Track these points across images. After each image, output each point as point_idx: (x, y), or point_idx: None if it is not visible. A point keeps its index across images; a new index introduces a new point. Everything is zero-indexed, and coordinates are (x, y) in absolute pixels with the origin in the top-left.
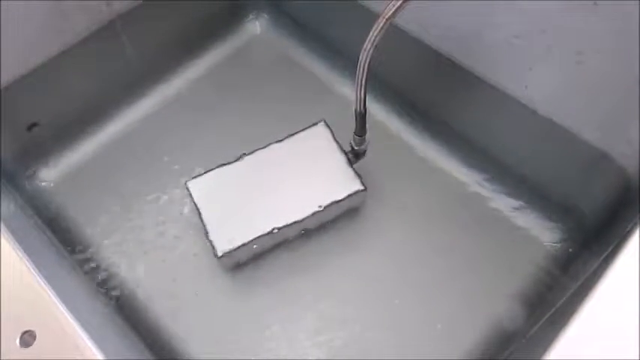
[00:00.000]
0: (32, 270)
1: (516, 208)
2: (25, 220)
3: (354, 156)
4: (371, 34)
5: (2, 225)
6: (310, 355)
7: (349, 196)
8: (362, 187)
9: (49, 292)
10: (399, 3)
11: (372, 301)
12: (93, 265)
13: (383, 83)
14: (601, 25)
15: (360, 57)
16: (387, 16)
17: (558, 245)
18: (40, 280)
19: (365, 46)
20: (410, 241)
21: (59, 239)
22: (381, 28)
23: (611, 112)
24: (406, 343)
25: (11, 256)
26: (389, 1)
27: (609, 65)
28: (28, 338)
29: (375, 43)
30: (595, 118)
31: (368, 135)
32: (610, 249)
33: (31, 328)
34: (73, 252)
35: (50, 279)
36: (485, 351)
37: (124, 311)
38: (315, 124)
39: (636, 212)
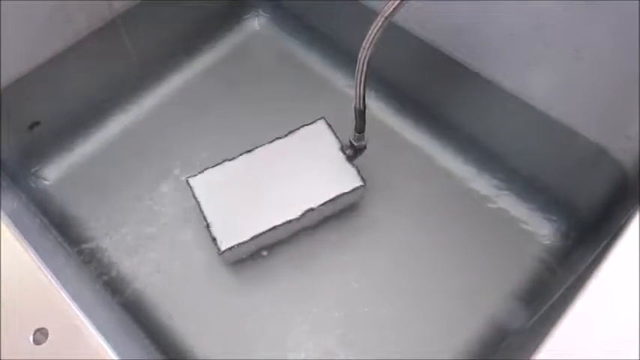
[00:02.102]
0: (42, 267)
1: (514, 203)
2: (30, 218)
3: (353, 152)
4: (370, 32)
5: (10, 223)
6: (311, 351)
7: (349, 192)
8: (361, 183)
9: (60, 290)
10: (397, 2)
11: (372, 296)
12: (97, 263)
13: (382, 80)
14: (598, 21)
15: (359, 55)
16: (385, 15)
17: (556, 239)
18: (50, 279)
19: (364, 44)
20: (408, 236)
21: (63, 237)
22: (380, 26)
23: (609, 107)
24: (405, 338)
25: (20, 253)
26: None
27: (607, 62)
28: (40, 336)
29: (373, 42)
30: (593, 113)
31: (367, 131)
32: (604, 243)
33: (44, 326)
34: (77, 250)
35: (60, 277)
36: (483, 344)
37: (128, 308)
38: (314, 120)
39: (632, 207)
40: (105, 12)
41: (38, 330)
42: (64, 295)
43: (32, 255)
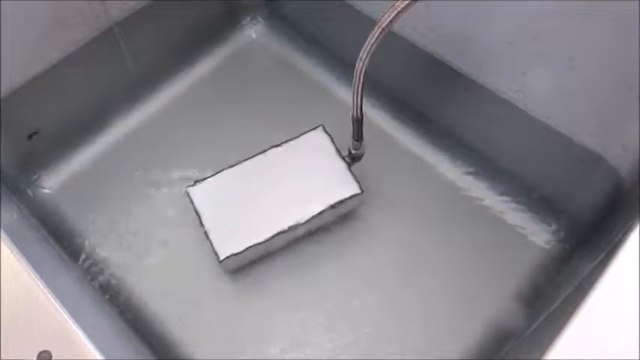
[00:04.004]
0: (43, 287)
1: (511, 209)
2: (30, 230)
3: (351, 159)
4: (366, 43)
5: (9, 240)
6: (311, 356)
7: (347, 198)
8: (359, 190)
9: (63, 312)
10: (394, 13)
11: (372, 301)
12: (97, 272)
13: (380, 88)
14: (592, 32)
15: (356, 65)
16: (382, 26)
17: (553, 245)
18: (52, 299)
19: (361, 54)
20: (407, 242)
21: (63, 247)
22: (377, 37)
23: (604, 115)
24: (406, 343)
25: (21, 273)
26: (386, 9)
27: (601, 70)
28: (45, 356)
29: (370, 52)
30: (588, 121)
31: (365, 139)
32: (606, 251)
33: (47, 349)
34: (76, 260)
35: (62, 296)
36: (482, 350)
37: (129, 316)
38: (313, 128)
39: (628, 213)
40: (102, 21)
41: (42, 352)
42: (67, 317)
43: (34, 275)
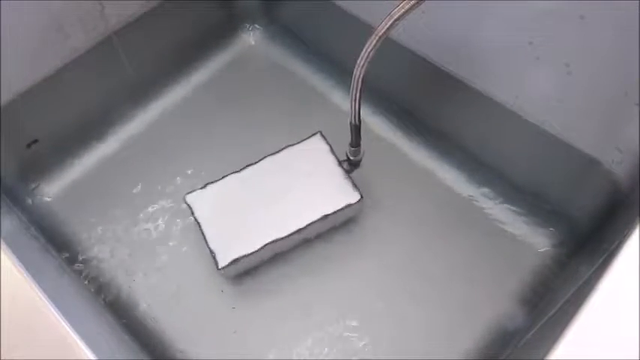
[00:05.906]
0: (40, 293)
1: (510, 214)
2: (30, 239)
3: (349, 166)
4: (364, 50)
5: (8, 249)
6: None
7: (346, 205)
8: (359, 197)
9: (61, 319)
10: (391, 21)
11: (372, 308)
12: (96, 280)
13: (378, 93)
14: (588, 36)
15: (354, 72)
16: (379, 34)
17: (551, 250)
18: (51, 307)
19: (358, 62)
20: (407, 248)
21: (62, 256)
22: (374, 45)
23: (602, 120)
24: (407, 347)
25: (19, 279)
26: (383, 17)
27: (598, 75)
28: None
29: (368, 59)
30: (586, 126)
31: (363, 145)
32: (605, 255)
33: (46, 356)
34: (76, 268)
35: (60, 303)
36: (482, 353)
37: (128, 324)
38: (311, 135)
39: (627, 217)
40: (101, 29)
41: None
42: (66, 325)
43: (33, 283)
